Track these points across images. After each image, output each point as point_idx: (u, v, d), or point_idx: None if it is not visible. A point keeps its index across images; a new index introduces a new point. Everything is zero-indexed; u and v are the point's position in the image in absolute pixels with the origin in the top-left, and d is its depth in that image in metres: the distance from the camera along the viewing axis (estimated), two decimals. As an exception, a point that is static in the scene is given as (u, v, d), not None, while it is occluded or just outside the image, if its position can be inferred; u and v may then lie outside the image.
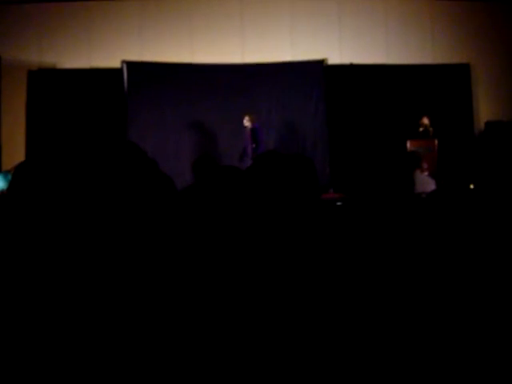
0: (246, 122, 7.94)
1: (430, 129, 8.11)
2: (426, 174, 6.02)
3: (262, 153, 1.87)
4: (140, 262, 1.32)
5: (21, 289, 1.26)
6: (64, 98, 8.19)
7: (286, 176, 1.63)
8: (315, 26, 8.89)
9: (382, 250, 1.51)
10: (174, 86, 8.46)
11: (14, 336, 1.21)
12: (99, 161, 1.44)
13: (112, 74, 8.37)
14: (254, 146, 7.79)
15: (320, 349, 1.29)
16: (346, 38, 8.96)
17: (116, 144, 1.53)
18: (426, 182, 4.48)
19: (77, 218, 1.36)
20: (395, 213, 1.70)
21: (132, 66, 8.43)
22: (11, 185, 1.45)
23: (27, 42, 8.41)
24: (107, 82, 8.37)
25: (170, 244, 1.41)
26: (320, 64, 8.75)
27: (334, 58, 8.82)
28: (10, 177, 1.49)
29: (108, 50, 8.46)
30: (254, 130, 7.89)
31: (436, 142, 7.94)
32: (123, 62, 8.39)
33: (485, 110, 9.12)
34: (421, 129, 8.13)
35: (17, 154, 7.76)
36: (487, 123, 8.93)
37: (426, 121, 8.12)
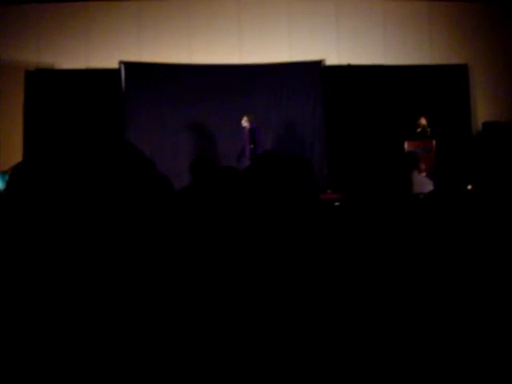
0: (244, 123, 7.93)
1: (428, 129, 8.12)
2: (424, 174, 6.03)
3: (260, 153, 1.87)
4: (138, 263, 1.32)
5: (19, 289, 1.26)
6: (62, 99, 8.18)
7: (284, 177, 1.63)
8: (313, 27, 8.90)
9: (380, 251, 1.51)
10: (172, 87, 8.46)
11: (14, 336, 1.21)
12: (97, 161, 1.44)
13: (110, 74, 8.37)
14: (252, 146, 7.78)
15: (320, 349, 1.29)
16: (343, 39, 8.97)
17: (114, 145, 1.52)
18: (423, 183, 4.47)
19: (74, 219, 1.36)
20: (393, 213, 1.70)
21: (130, 66, 8.43)
22: (8, 185, 1.44)
23: (25, 42, 8.41)
24: (105, 83, 8.37)
25: (168, 245, 1.41)
26: (318, 65, 8.76)
27: (332, 59, 8.82)
28: (7, 177, 1.49)
29: (106, 51, 8.46)
30: (252, 130, 7.88)
31: (434, 142, 7.95)
32: (121, 62, 8.39)
33: (482, 111, 9.14)
34: (418, 129, 8.14)
35: (14, 154, 7.74)
36: (485, 124, 8.96)
37: (423, 121, 8.12)
